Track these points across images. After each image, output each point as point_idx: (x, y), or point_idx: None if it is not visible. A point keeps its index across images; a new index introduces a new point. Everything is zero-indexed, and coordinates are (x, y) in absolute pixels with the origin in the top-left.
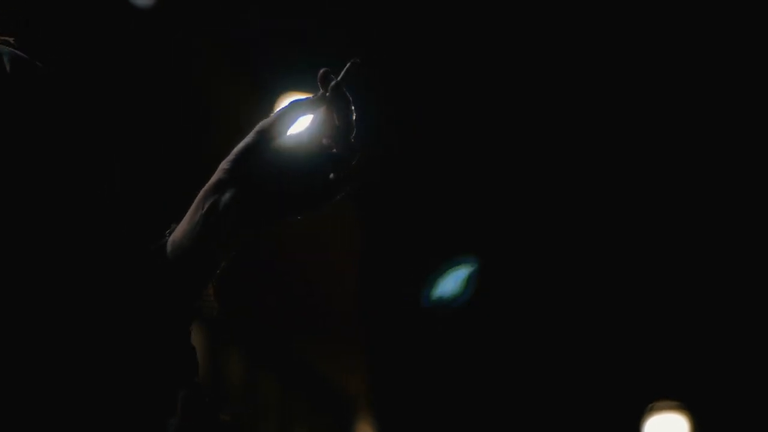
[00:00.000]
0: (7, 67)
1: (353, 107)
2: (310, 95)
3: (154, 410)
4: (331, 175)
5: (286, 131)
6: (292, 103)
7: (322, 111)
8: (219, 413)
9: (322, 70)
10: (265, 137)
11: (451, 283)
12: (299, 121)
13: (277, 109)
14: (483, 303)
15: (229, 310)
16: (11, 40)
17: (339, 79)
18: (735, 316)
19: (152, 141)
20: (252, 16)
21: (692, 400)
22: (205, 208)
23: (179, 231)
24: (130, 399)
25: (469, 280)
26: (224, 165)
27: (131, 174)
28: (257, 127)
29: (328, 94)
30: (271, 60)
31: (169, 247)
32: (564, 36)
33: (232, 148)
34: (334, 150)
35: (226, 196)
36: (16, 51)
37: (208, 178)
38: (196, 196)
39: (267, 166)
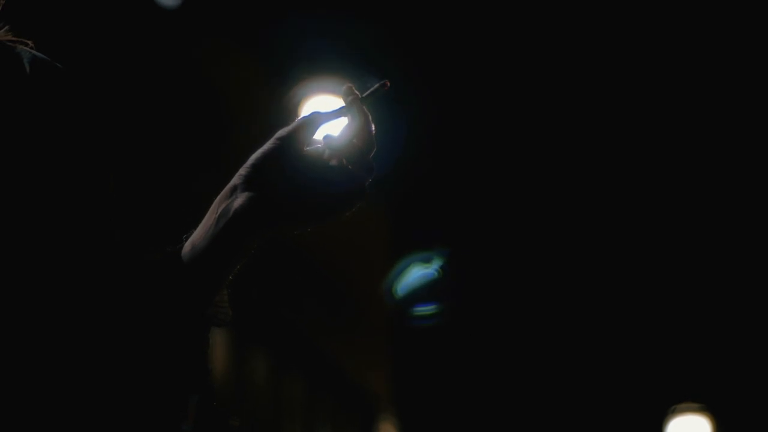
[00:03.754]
0: (27, 69)
1: (373, 126)
2: (333, 106)
3: (167, 415)
4: (345, 191)
5: (305, 141)
6: (312, 114)
7: (345, 126)
8: (229, 418)
9: (345, 85)
10: (283, 146)
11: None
12: (319, 131)
13: (298, 119)
14: (507, 304)
15: (252, 309)
16: (30, 42)
17: (361, 96)
18: (758, 319)
19: (169, 144)
20: (277, 17)
21: (715, 402)
22: (218, 213)
23: (196, 234)
24: (142, 404)
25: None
26: (241, 171)
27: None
28: (276, 135)
29: (346, 109)
30: (296, 64)
31: (184, 250)
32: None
33: (250, 154)
34: (350, 167)
35: (238, 201)
36: (36, 52)
37: (226, 184)
38: (213, 199)
39: (282, 175)
